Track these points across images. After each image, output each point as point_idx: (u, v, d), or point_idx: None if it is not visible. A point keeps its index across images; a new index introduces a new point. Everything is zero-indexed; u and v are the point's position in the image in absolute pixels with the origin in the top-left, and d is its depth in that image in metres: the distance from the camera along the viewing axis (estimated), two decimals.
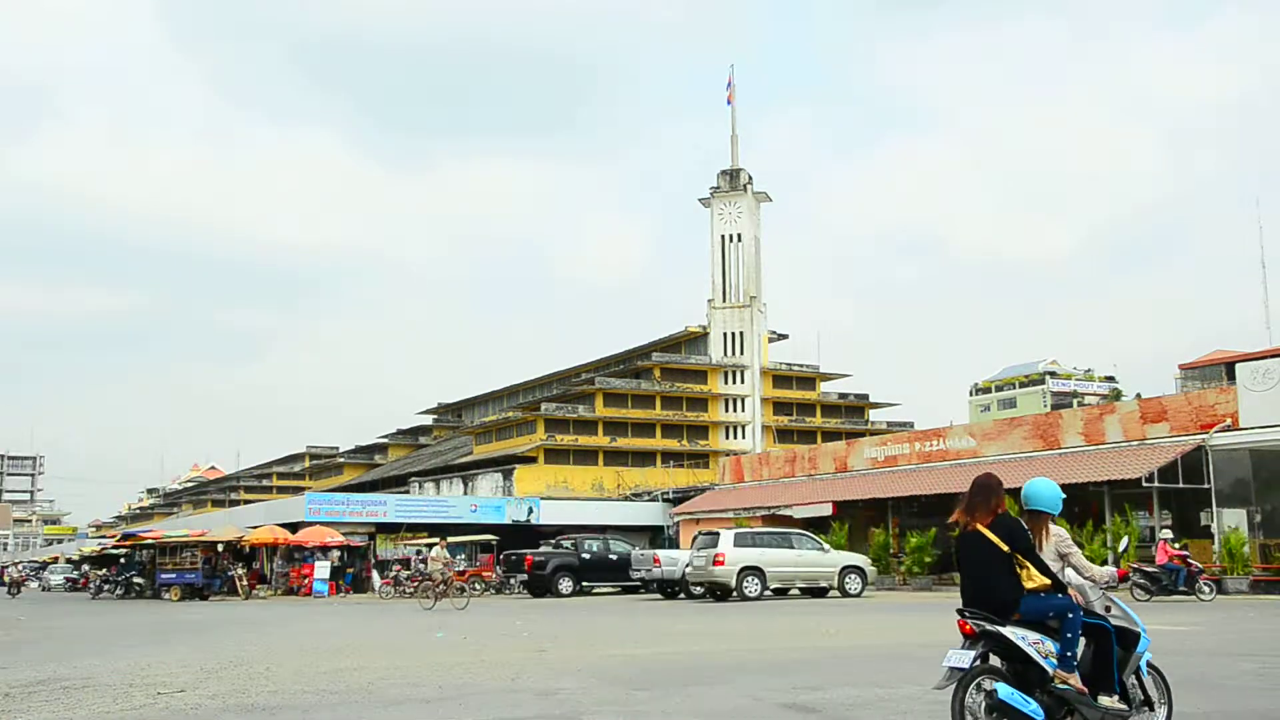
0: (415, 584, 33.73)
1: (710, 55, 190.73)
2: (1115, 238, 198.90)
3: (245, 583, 34.98)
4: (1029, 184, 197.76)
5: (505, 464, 58.46)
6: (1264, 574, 25.30)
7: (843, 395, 71.71)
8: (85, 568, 52.91)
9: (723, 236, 68.16)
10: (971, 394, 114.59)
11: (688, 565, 26.92)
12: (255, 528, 40.56)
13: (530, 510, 44.14)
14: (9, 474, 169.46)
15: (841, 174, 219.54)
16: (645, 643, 13.90)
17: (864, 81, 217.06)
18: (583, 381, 67.35)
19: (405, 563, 36.77)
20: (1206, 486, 26.83)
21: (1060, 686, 5.60)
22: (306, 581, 35.88)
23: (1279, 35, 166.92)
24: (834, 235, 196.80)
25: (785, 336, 71.15)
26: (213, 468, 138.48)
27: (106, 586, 41.50)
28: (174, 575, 35.19)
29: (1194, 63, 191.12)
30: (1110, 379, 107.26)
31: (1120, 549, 8.35)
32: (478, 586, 34.58)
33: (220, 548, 36.60)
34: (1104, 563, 27.58)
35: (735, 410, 66.35)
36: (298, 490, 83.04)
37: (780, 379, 68.92)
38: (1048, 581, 5.75)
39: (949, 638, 14.27)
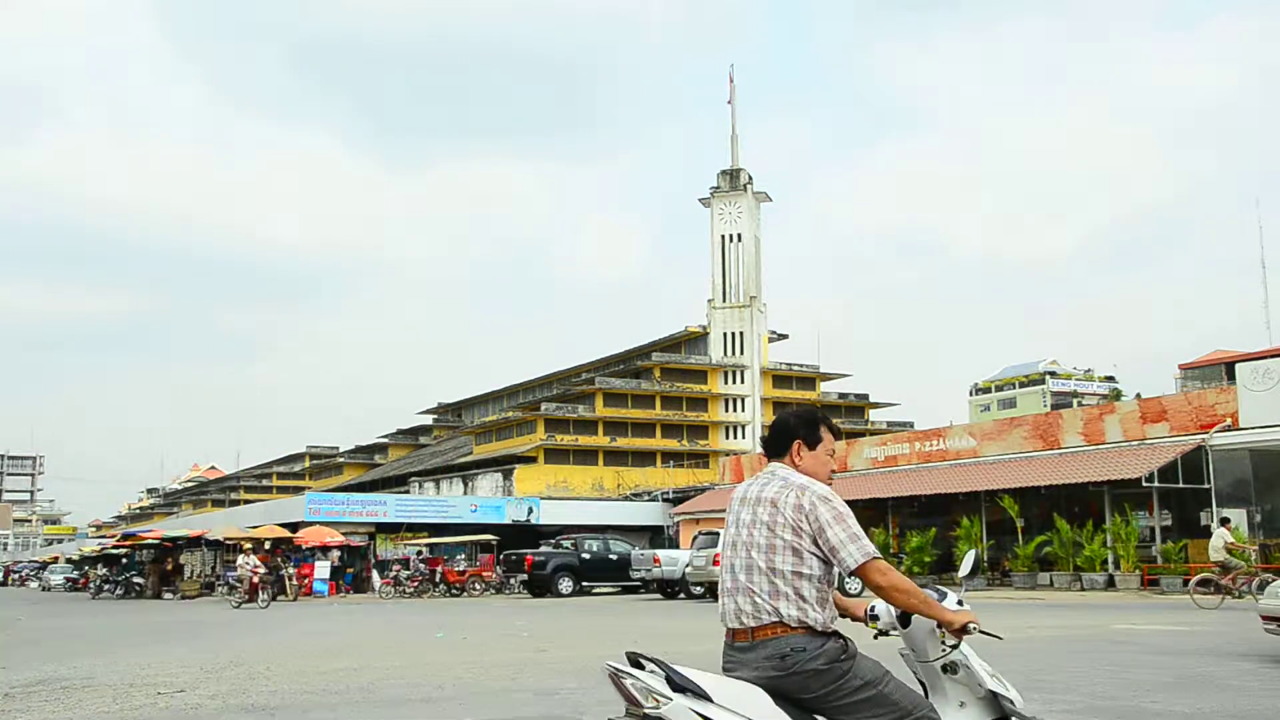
0: (415, 584, 33.79)
1: (710, 55, 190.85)
2: (1115, 238, 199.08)
3: (295, 581, 33.65)
4: (1029, 184, 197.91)
5: (505, 464, 58.46)
6: (1265, 574, 25.27)
7: (843, 395, 71.70)
8: (99, 569, 52.73)
9: (723, 236, 68.15)
10: (971, 394, 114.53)
11: (688, 565, 26.91)
12: (255, 527, 40.57)
13: (530, 510, 44.11)
14: (9, 474, 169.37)
15: (841, 174, 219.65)
16: (645, 643, 13.87)
17: (864, 82, 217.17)
18: (583, 381, 67.34)
19: (405, 563, 36.76)
20: (1206, 486, 26.81)
21: None
22: (306, 581, 35.84)
23: (1277, 35, 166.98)
24: (834, 235, 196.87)
25: (785, 336, 71.23)
26: (213, 468, 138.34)
27: (107, 586, 41.49)
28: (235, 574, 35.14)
29: (1193, 63, 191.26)
30: (1110, 379, 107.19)
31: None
32: (478, 587, 34.61)
33: (267, 544, 36.04)
34: (1101, 563, 27.59)
35: (735, 410, 66.34)
36: (298, 490, 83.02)
37: (780, 379, 68.91)
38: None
39: None
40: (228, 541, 38.86)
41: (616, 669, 3.30)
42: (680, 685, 3.16)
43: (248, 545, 31.56)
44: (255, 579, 27.52)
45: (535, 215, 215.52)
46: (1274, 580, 12.44)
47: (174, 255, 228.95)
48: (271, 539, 36.81)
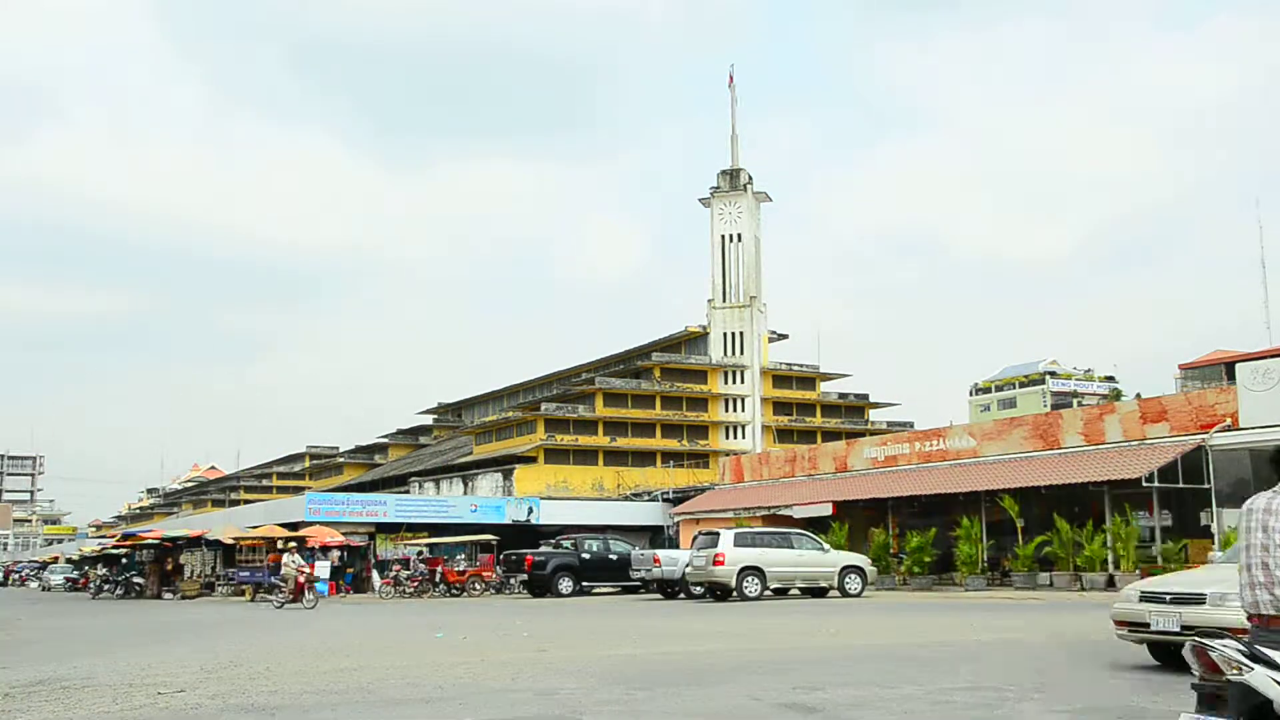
0: (415, 584, 33.78)
1: (710, 55, 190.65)
2: (1115, 238, 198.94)
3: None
4: (1029, 184, 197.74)
5: (505, 464, 58.47)
6: None
7: (843, 395, 71.70)
8: (99, 569, 52.49)
9: (723, 236, 68.17)
10: (971, 394, 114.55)
11: (688, 565, 26.91)
12: (255, 527, 40.58)
13: (530, 510, 44.13)
14: (9, 474, 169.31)
15: (841, 174, 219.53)
16: (645, 643, 13.90)
17: (864, 82, 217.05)
18: (583, 381, 67.36)
19: (405, 563, 36.78)
20: (1206, 486, 26.82)
21: None
22: None
23: (1277, 35, 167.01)
24: (834, 235, 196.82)
25: (785, 336, 71.21)
26: (213, 468, 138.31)
27: (107, 586, 41.49)
28: (248, 574, 35.04)
29: (1193, 63, 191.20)
30: (1110, 379, 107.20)
31: None
32: (478, 587, 34.59)
33: (279, 544, 36.00)
34: (1101, 563, 27.58)
35: (735, 410, 66.35)
36: (298, 490, 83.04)
37: (780, 379, 68.92)
38: None
39: (948, 637, 14.27)
40: (230, 542, 38.79)
41: (1199, 641, 3.90)
42: (1258, 656, 3.68)
43: (293, 545, 30.98)
44: (301, 579, 26.60)
45: (535, 215, 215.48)
46: (1133, 581, 12.42)
47: (174, 255, 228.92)
48: (282, 538, 36.72)
